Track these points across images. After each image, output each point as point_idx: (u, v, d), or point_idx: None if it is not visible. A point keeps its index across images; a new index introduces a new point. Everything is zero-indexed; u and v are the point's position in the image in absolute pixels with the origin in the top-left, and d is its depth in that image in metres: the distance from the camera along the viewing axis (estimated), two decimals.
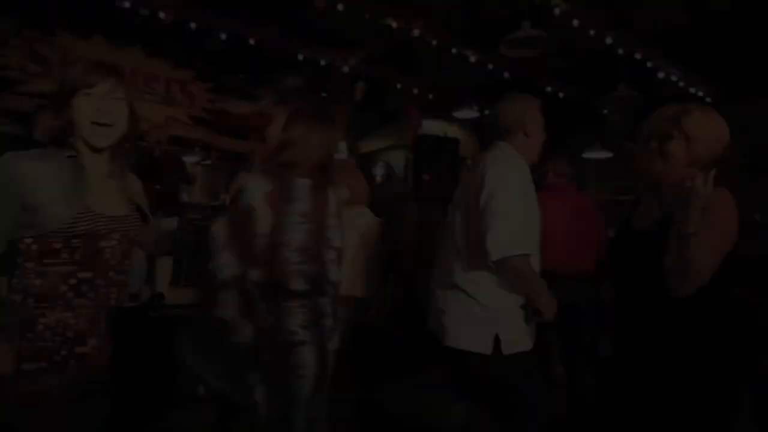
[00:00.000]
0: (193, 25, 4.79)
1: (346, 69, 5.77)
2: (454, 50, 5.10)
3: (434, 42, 4.93)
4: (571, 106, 7.13)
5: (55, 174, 1.18)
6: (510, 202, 1.55)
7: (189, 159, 6.21)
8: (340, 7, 4.32)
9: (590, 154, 6.28)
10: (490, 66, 5.44)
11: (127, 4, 4.48)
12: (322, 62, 5.86)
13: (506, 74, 5.62)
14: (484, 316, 1.59)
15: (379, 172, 8.30)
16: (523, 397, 1.60)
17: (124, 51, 5.54)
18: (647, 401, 1.34)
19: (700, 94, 5.84)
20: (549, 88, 6.06)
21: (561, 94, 6.26)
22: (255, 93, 7.09)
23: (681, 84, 5.65)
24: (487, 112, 6.92)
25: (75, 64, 1.27)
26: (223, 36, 5.17)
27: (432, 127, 7.43)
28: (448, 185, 4.39)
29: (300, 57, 5.63)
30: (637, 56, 4.96)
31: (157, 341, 3.14)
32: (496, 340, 1.56)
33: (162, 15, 4.57)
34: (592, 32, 4.50)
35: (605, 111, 6.57)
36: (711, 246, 1.20)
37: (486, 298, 1.60)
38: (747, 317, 1.39)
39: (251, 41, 5.08)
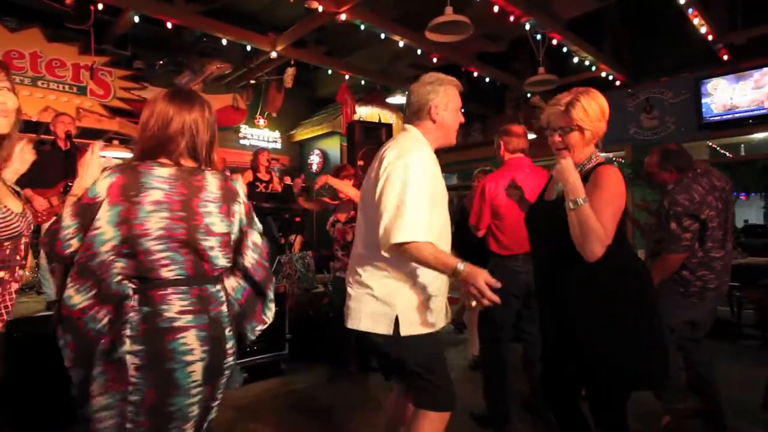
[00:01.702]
0: (99, 6, 4.39)
1: (274, 54, 5.59)
2: (382, 35, 5.11)
3: (362, 27, 4.91)
4: (498, 90, 7.46)
5: None
6: (406, 189, 1.46)
7: (107, 153, 5.78)
8: None
9: None
10: (419, 51, 5.52)
11: None
12: (248, 47, 5.64)
13: (434, 60, 5.73)
14: (381, 300, 1.56)
15: (314, 159, 8.23)
16: (431, 378, 1.57)
17: (20, 35, 5.01)
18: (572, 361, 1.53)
19: (611, 77, 6.32)
20: (476, 73, 6.27)
21: (488, 79, 6.50)
22: (175, 80, 6.73)
23: (593, 68, 6.08)
24: None
25: None
26: (137, 18, 4.81)
27: (365, 113, 7.45)
28: None
29: (224, 42, 5.37)
30: (554, 42, 5.26)
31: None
32: (396, 322, 1.53)
33: None
34: (511, 18, 4.69)
35: (528, 94, 6.93)
36: (603, 210, 1.43)
37: (381, 286, 1.56)
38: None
39: (169, 24, 4.75)
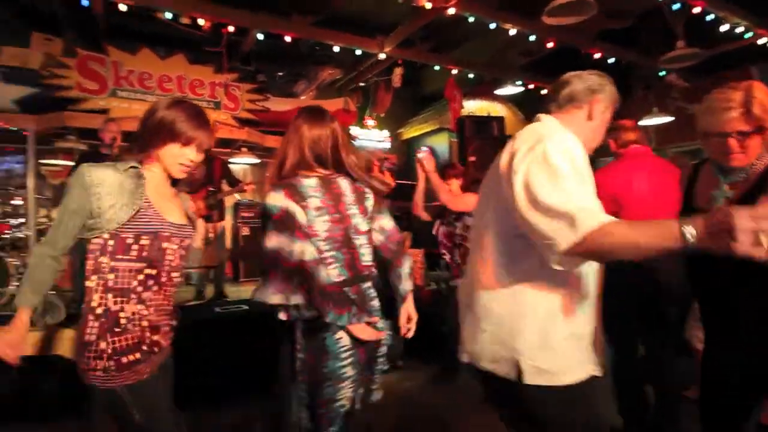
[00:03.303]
0: (231, 28, 4.88)
1: (382, 56, 5.69)
2: (492, 25, 4.90)
3: (471, 19, 4.75)
4: (624, 71, 6.71)
5: (119, 182, 1.35)
6: (561, 176, 1.11)
7: (237, 160, 6.42)
8: None
9: (648, 121, 5.87)
10: (533, 38, 5.19)
11: (168, 15, 4.63)
12: (358, 52, 5.82)
13: (550, 44, 5.34)
14: (505, 335, 1.23)
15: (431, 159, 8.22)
16: None
17: (168, 61, 5.78)
18: None
19: None
20: (598, 55, 5.71)
21: (611, 60, 5.88)
22: (293, 89, 7.23)
23: (748, 35, 5.15)
24: (531, 86, 6.65)
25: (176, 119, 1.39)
26: (260, 36, 5.24)
27: (474, 107, 7.25)
28: None
29: (335, 49, 5.60)
30: (696, 10, 4.56)
31: (222, 332, 3.35)
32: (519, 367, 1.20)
33: (201, 22, 4.69)
34: None
35: (661, 73, 6.12)
36: None
37: (510, 315, 1.23)
38: None
39: (287, 38, 5.10)
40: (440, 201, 3.15)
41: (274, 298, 1.40)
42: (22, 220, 4.71)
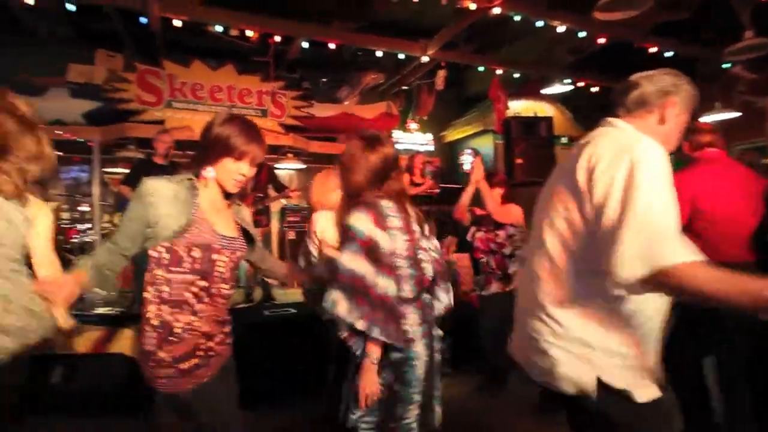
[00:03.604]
0: (277, 38, 5.01)
1: (425, 59, 5.66)
2: (539, 23, 4.76)
3: (517, 18, 4.64)
4: (682, 65, 6.32)
5: (174, 192, 1.41)
6: (646, 195, 1.04)
7: (283, 165, 6.59)
8: None
9: (711, 117, 5.50)
10: (582, 34, 5.00)
11: (219, 29, 4.82)
12: (401, 55, 5.82)
13: (601, 40, 5.12)
14: (583, 351, 1.18)
15: (466, 159, 8.11)
16: None
17: (219, 72, 6.01)
18: None
19: None
20: (654, 49, 5.42)
21: (668, 54, 5.57)
22: (336, 94, 7.33)
23: None
24: (581, 84, 6.40)
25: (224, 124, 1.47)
26: (305, 44, 5.35)
27: (520, 107, 7.07)
28: (544, 167, 4.11)
29: (379, 53, 5.63)
30: None
31: (271, 335, 3.43)
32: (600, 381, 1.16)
33: (249, 33, 4.85)
34: None
35: (725, 66, 5.72)
36: None
37: (589, 333, 1.17)
38: None
39: (331, 45, 5.18)
40: (487, 210, 3.12)
41: (360, 323, 1.42)
42: (89, 225, 5.05)
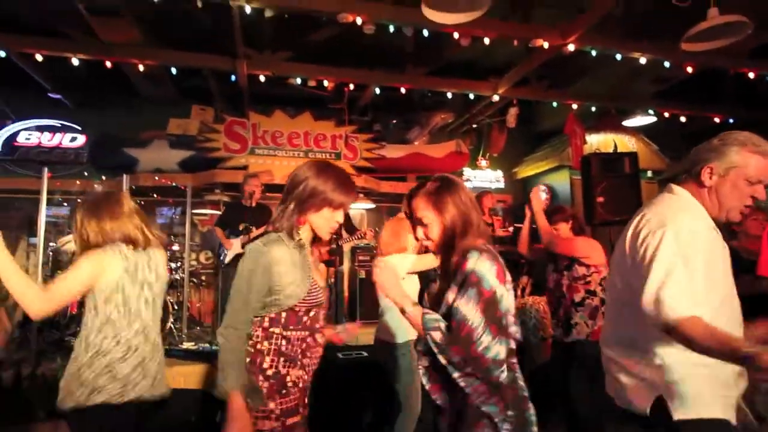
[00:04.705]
0: (351, 86, 5.28)
1: (496, 98, 5.64)
2: (618, 56, 4.58)
3: (593, 52, 4.50)
4: None
5: (291, 258, 1.43)
6: (668, 259, 1.30)
7: (354, 206, 6.77)
8: (486, 40, 4.26)
9: None
10: (667, 64, 4.72)
11: (298, 80, 5.18)
12: (471, 95, 5.85)
13: (689, 69, 4.80)
14: (647, 374, 1.38)
15: (540, 196, 7.83)
16: None
17: (297, 119, 6.40)
18: None
19: None
20: (751, 74, 4.98)
21: None
22: (406, 135, 7.48)
23: None
24: (666, 114, 6.01)
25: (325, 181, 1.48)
26: (377, 90, 5.57)
27: (598, 140, 6.76)
28: (629, 205, 3.84)
29: (449, 94, 5.71)
30: None
31: (345, 378, 3.42)
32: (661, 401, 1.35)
33: (326, 83, 5.16)
34: None
35: None
36: None
37: (647, 357, 1.38)
38: None
39: (402, 90, 5.35)
40: (545, 243, 2.96)
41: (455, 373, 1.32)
42: (179, 263, 5.46)
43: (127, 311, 1.65)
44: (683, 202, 1.43)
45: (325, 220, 1.48)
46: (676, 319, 1.23)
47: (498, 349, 1.30)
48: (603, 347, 1.55)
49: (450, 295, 1.34)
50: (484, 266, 1.33)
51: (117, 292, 1.63)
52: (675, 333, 1.25)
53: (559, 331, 2.95)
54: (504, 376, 1.34)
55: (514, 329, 1.38)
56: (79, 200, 4.88)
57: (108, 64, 4.78)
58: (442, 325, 1.33)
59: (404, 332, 2.56)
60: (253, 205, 4.47)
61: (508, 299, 1.36)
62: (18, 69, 5.14)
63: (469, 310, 1.29)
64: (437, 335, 1.31)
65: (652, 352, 1.37)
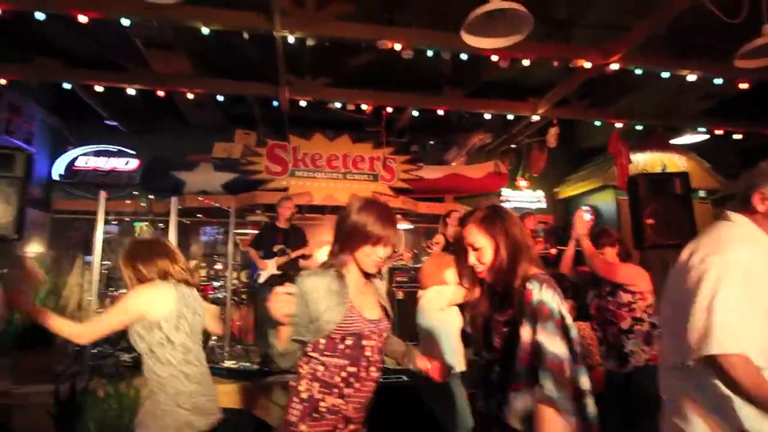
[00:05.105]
0: (389, 109, 5.35)
1: (536, 118, 5.56)
2: (665, 74, 4.43)
3: (638, 72, 4.38)
4: None
5: (326, 286, 1.48)
6: (718, 291, 1.26)
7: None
8: (525, 62, 4.23)
9: None
10: (718, 81, 4.53)
11: (337, 105, 5.30)
12: (510, 116, 5.79)
13: (743, 85, 4.58)
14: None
15: (584, 218, 7.57)
16: None
17: (336, 142, 6.54)
18: None
19: None
20: None
21: None
22: (444, 156, 7.46)
23: None
24: (719, 132, 5.73)
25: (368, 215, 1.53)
26: (415, 113, 5.61)
27: (644, 160, 6.51)
28: (681, 228, 3.65)
29: (487, 115, 5.68)
30: None
31: (396, 406, 3.37)
32: None
33: (364, 106, 5.25)
34: None
35: None
36: None
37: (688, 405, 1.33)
38: None
39: (440, 112, 5.37)
40: (591, 267, 2.83)
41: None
42: (221, 282, 5.61)
43: (185, 339, 1.88)
44: (737, 229, 1.39)
45: (366, 255, 1.52)
46: (721, 353, 1.21)
47: (584, 380, 1.31)
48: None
49: (524, 332, 1.33)
50: (547, 296, 1.33)
51: (182, 319, 1.86)
52: (715, 367, 1.22)
53: (613, 363, 2.80)
54: (590, 408, 1.30)
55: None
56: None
57: (160, 93, 5.06)
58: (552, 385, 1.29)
59: (459, 364, 2.66)
60: (287, 226, 4.59)
61: (573, 326, 1.34)
62: (78, 99, 5.54)
63: (556, 345, 1.29)
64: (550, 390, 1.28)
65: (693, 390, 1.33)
